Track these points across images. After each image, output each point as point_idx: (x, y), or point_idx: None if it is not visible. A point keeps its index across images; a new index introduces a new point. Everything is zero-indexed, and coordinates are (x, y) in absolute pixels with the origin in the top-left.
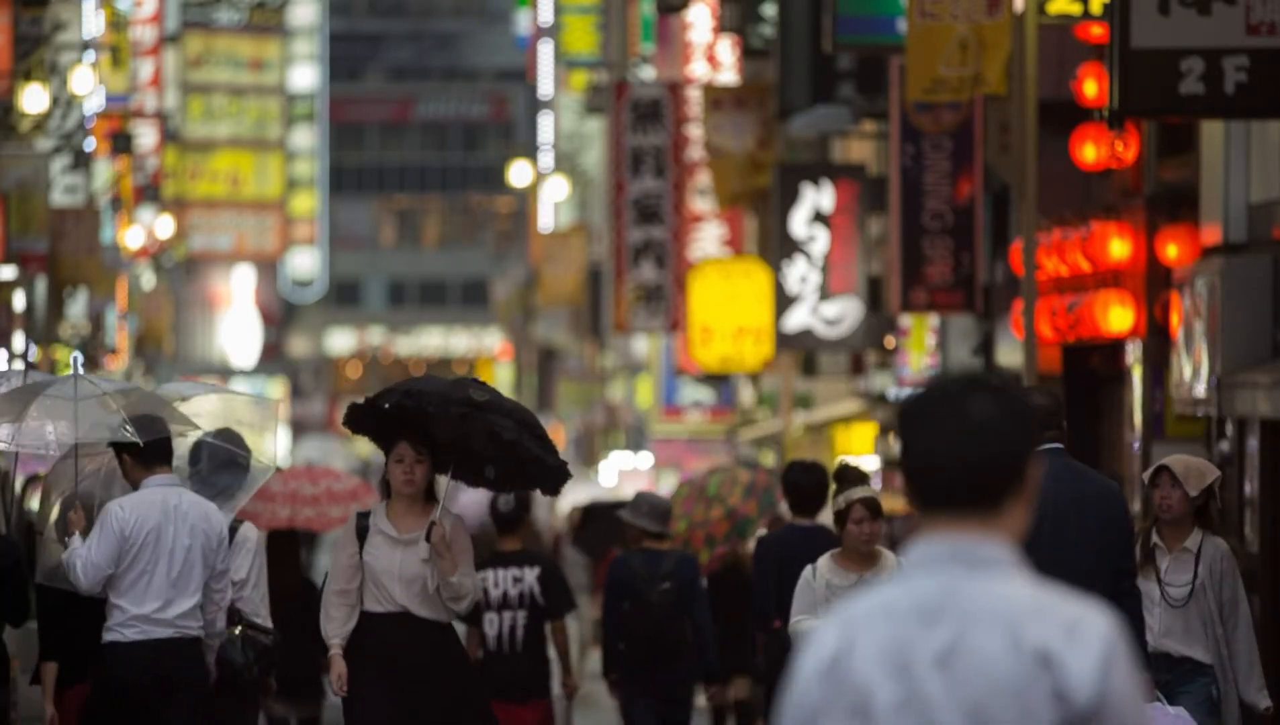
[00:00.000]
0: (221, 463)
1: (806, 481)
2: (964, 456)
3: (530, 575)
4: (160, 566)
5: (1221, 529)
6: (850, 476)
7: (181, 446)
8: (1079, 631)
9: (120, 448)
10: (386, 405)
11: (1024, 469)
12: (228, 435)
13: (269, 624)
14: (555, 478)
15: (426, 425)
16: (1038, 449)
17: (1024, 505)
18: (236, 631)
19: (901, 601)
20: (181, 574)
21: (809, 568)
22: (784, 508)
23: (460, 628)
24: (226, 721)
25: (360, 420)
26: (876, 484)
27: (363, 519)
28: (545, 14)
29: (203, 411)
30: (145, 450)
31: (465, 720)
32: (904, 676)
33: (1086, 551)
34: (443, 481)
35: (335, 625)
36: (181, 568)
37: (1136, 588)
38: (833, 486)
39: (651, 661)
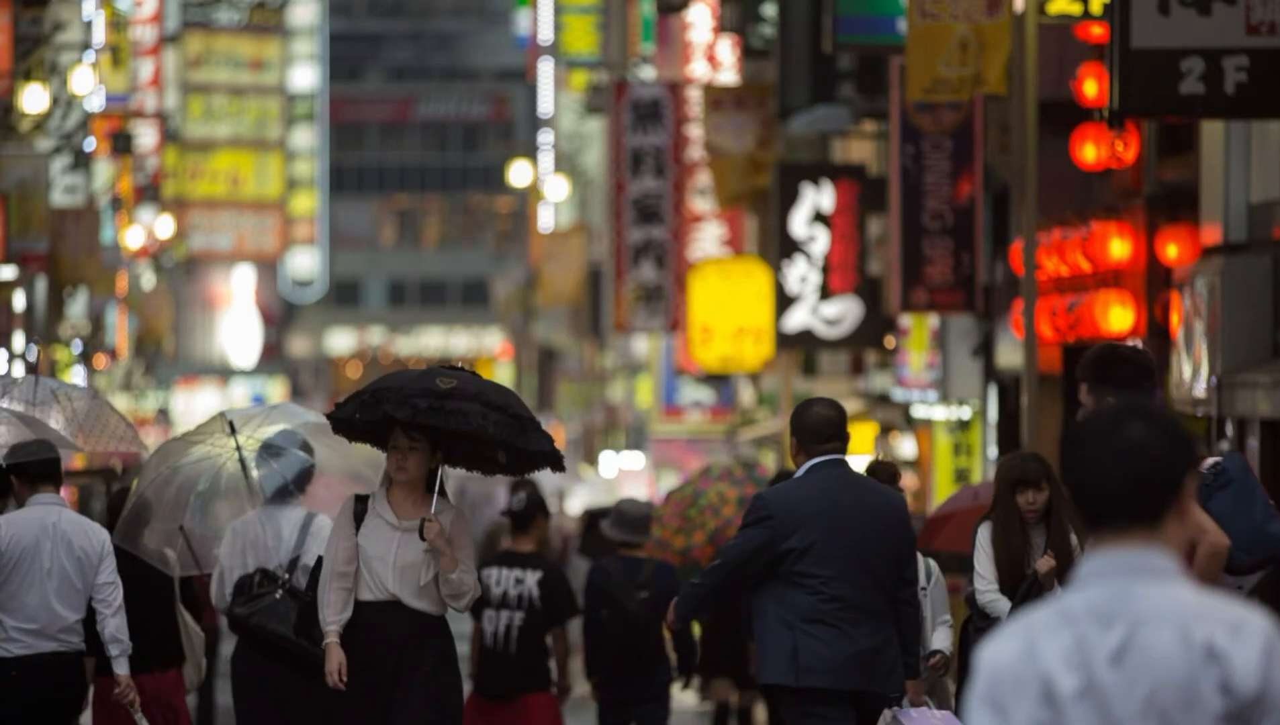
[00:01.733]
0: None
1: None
2: (1126, 477)
3: (531, 578)
4: (37, 582)
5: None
6: (882, 473)
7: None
8: (1242, 629)
9: (8, 468)
10: (357, 416)
11: (1180, 486)
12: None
13: None
14: (546, 460)
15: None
16: (1191, 468)
17: (1181, 519)
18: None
19: (1078, 607)
20: (61, 590)
21: None
22: None
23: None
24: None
25: (347, 431)
26: None
27: (360, 502)
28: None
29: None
30: (29, 470)
31: (447, 711)
32: (1084, 671)
33: (868, 561)
34: (440, 475)
35: (332, 611)
36: (60, 584)
37: (916, 597)
38: None
39: (629, 667)
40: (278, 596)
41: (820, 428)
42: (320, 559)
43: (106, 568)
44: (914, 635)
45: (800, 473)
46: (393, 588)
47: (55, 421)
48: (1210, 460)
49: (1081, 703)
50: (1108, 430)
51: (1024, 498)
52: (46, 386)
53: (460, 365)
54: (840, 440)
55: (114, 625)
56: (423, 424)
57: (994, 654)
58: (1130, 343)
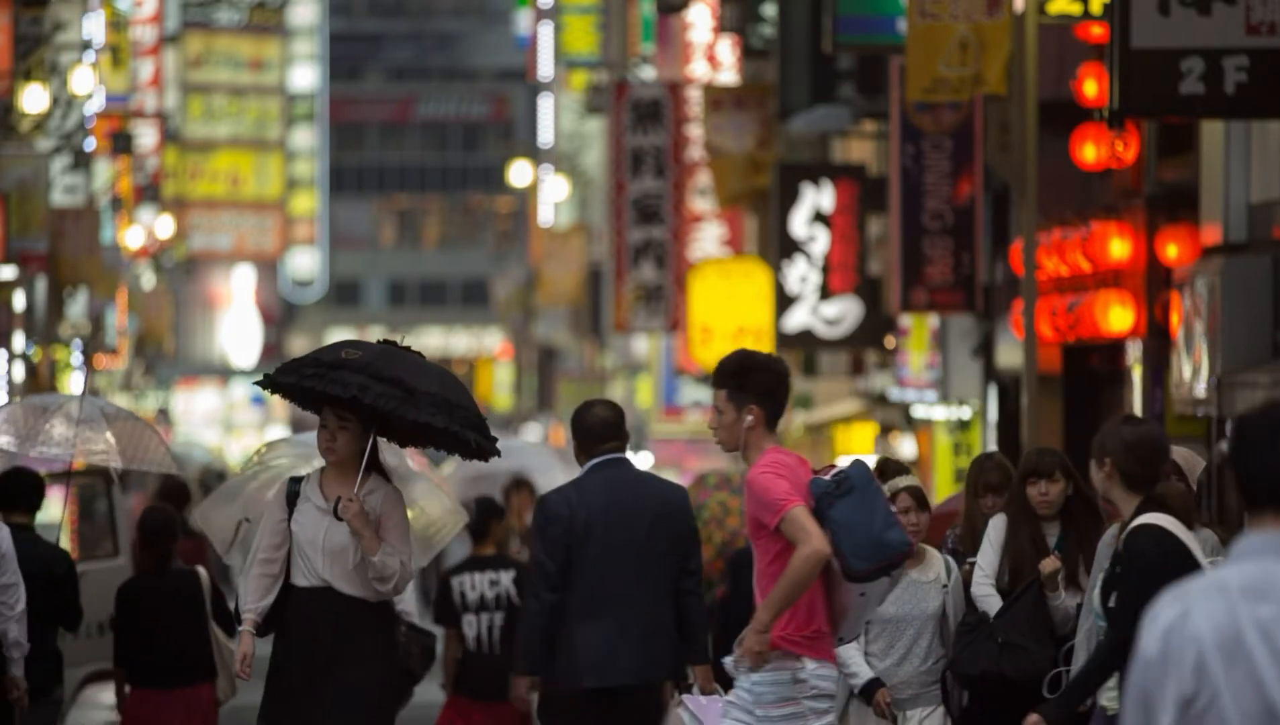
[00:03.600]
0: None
1: None
2: None
3: (506, 578)
4: None
5: (1218, 524)
6: (892, 469)
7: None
8: None
9: None
10: (278, 379)
11: None
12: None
13: (426, 626)
14: (448, 439)
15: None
16: None
17: None
18: (401, 630)
19: (1232, 580)
20: None
21: None
22: None
23: (439, 631)
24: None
25: (294, 399)
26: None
27: (294, 484)
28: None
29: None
30: None
31: (369, 707)
32: (1233, 641)
33: (648, 554)
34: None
35: (251, 598)
36: None
37: (698, 587)
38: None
39: None
40: None
41: (598, 429)
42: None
43: (6, 572)
44: (699, 624)
45: (581, 473)
46: (323, 572)
47: (101, 441)
48: (834, 469)
49: (1230, 670)
50: (1272, 421)
51: (1035, 489)
52: (94, 405)
53: (407, 345)
54: (619, 440)
55: (15, 630)
56: (344, 401)
57: (1152, 626)
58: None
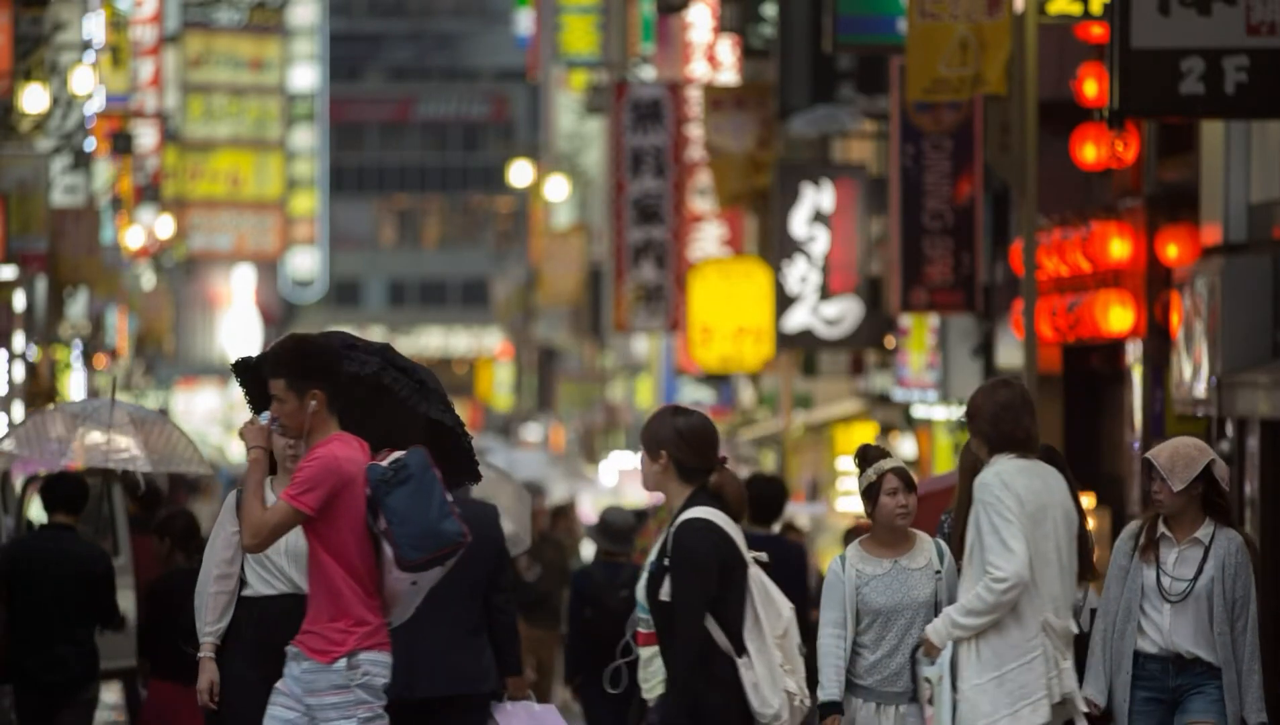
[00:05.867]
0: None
1: (768, 492)
2: None
3: None
4: None
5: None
6: (873, 455)
7: None
8: None
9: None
10: (256, 362)
11: None
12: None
13: None
14: (452, 440)
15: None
16: None
17: None
18: None
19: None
20: None
21: (835, 559)
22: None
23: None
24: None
25: (250, 383)
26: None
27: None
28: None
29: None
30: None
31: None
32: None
33: (466, 569)
34: None
35: (212, 618)
36: None
37: (510, 603)
38: (856, 471)
39: (610, 662)
40: None
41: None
42: None
43: None
44: (509, 638)
45: None
46: (292, 574)
47: (131, 444)
48: (393, 456)
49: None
50: None
51: None
52: (123, 411)
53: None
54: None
55: None
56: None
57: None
58: (334, 331)
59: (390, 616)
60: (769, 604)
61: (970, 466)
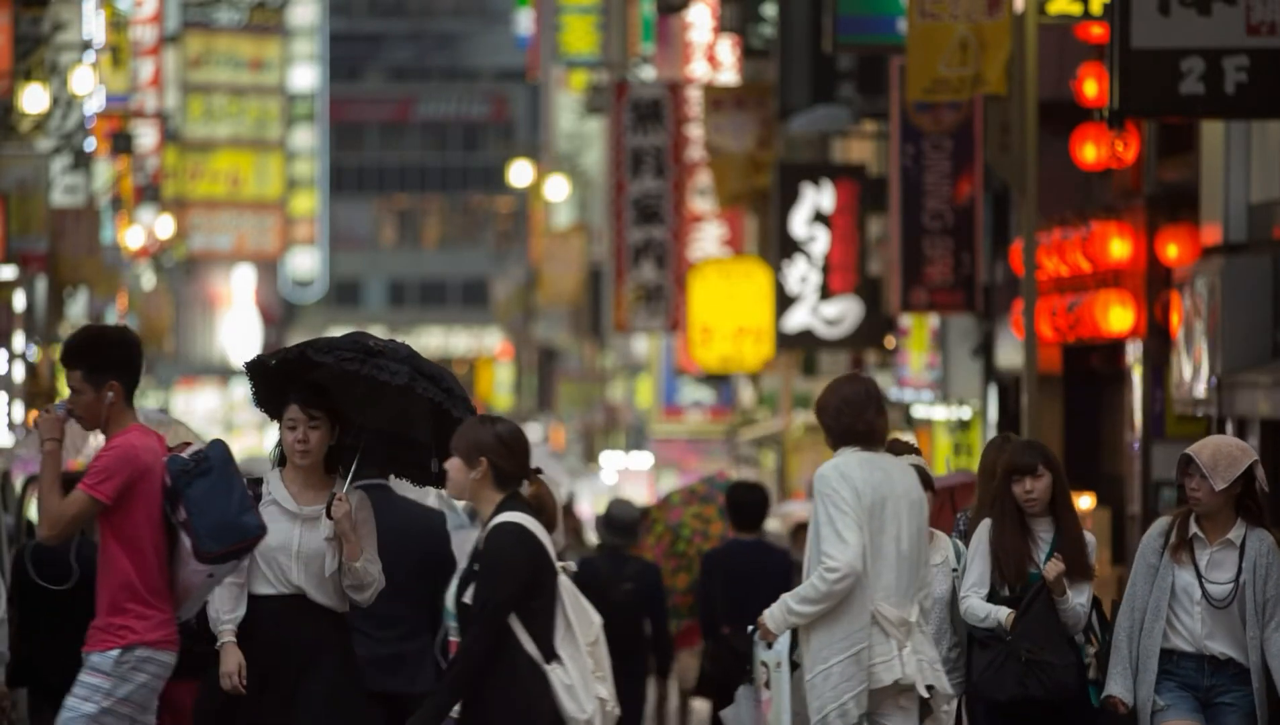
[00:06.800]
0: None
1: (749, 499)
2: None
3: None
4: None
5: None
6: (900, 448)
7: None
8: None
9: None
10: (273, 362)
11: None
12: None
13: None
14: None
15: (327, 384)
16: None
17: None
18: None
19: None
20: None
21: None
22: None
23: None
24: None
25: (258, 389)
26: None
27: (254, 487)
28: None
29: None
30: None
31: (341, 718)
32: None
33: (413, 581)
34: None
35: (225, 609)
36: None
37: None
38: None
39: (614, 654)
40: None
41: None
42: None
43: None
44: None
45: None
46: (297, 580)
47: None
48: (193, 447)
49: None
50: None
51: (1020, 487)
52: (141, 413)
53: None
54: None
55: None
56: (322, 401)
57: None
58: (121, 324)
59: (181, 610)
60: (580, 612)
61: (989, 467)
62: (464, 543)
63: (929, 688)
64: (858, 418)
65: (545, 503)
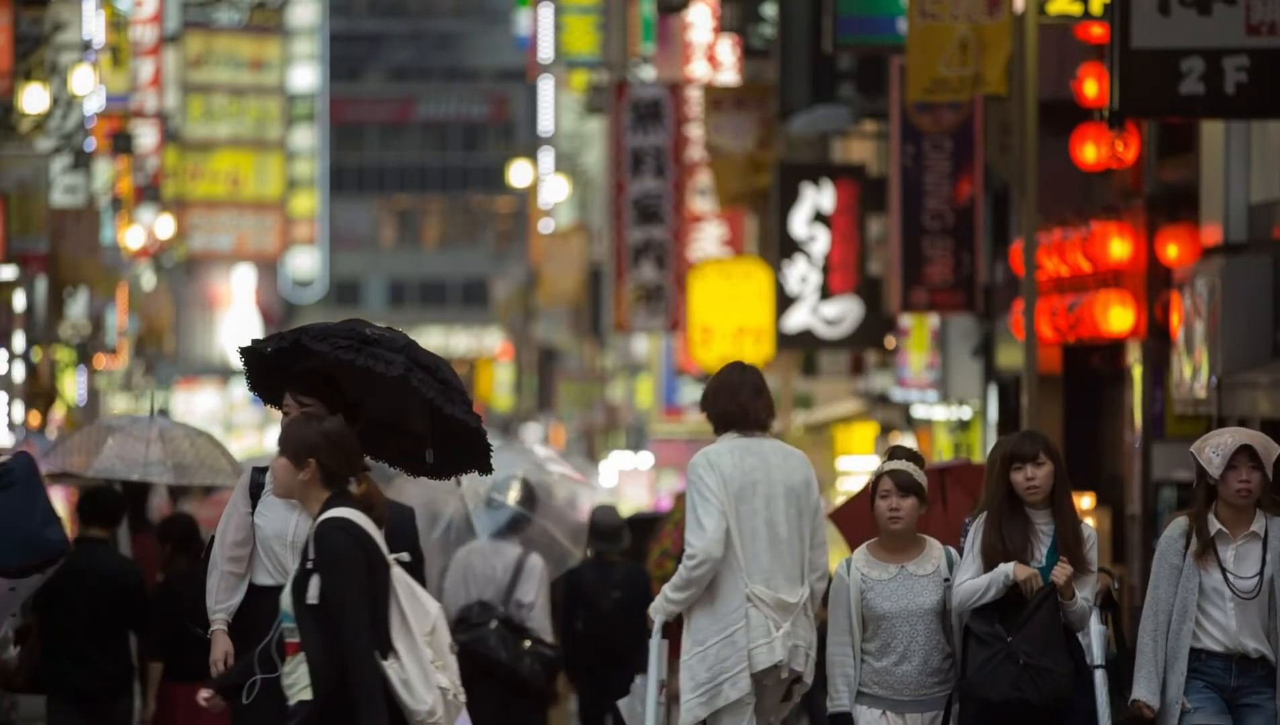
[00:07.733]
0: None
1: None
2: None
3: None
4: None
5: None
6: (899, 455)
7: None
8: None
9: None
10: (269, 349)
11: None
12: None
13: (552, 639)
14: (474, 438)
15: (322, 371)
16: None
17: None
18: (526, 645)
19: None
20: None
21: (841, 563)
22: None
23: None
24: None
25: (257, 372)
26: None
27: (258, 474)
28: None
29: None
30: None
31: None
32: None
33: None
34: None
35: (223, 597)
36: None
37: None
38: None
39: (604, 662)
40: (492, 626)
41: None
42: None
43: None
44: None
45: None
46: (292, 568)
47: (163, 456)
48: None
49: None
50: None
51: (1021, 474)
52: (158, 425)
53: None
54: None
55: None
56: (318, 385)
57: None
58: None
59: None
60: (415, 602)
61: (994, 467)
62: (499, 552)
63: (795, 673)
64: (731, 401)
65: (374, 500)
